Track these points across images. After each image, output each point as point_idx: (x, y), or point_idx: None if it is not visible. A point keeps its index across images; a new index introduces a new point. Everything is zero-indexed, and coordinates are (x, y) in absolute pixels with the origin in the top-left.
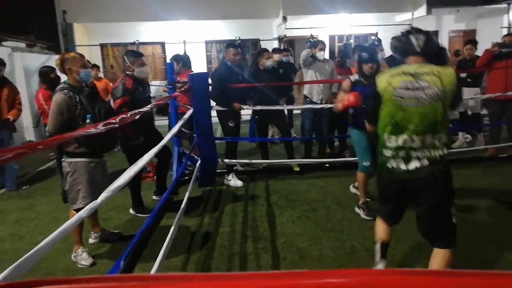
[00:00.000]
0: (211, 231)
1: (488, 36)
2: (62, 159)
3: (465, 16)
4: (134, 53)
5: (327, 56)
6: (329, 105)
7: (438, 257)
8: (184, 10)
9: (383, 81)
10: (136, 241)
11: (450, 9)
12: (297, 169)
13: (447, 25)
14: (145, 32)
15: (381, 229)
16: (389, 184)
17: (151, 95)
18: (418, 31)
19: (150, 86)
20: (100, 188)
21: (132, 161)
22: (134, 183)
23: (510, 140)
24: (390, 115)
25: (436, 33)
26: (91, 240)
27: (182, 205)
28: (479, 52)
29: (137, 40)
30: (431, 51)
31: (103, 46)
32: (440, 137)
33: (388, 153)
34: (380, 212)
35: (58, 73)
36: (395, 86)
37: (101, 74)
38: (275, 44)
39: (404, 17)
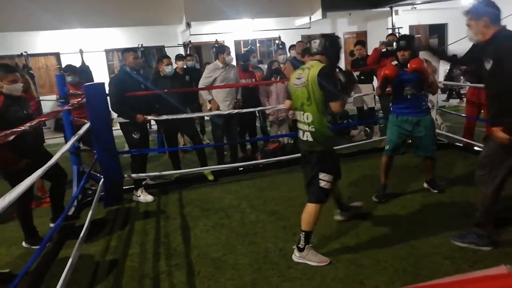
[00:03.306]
0: (118, 255)
1: (378, 36)
2: None
3: (356, 19)
4: (4, 67)
5: (234, 62)
6: (236, 110)
7: (306, 208)
8: (79, 18)
9: (291, 76)
10: (20, 279)
11: (343, 12)
12: (211, 178)
13: (341, 28)
14: (36, 42)
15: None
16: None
17: (45, 111)
18: (318, 37)
19: (43, 102)
20: None
21: None
22: (23, 211)
23: None
24: (293, 97)
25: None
26: None
27: (83, 230)
28: (370, 51)
29: (25, 52)
30: (325, 51)
31: None
32: (307, 116)
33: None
34: None
35: None
36: (293, 77)
37: None
38: (181, 51)
39: (302, 21)
